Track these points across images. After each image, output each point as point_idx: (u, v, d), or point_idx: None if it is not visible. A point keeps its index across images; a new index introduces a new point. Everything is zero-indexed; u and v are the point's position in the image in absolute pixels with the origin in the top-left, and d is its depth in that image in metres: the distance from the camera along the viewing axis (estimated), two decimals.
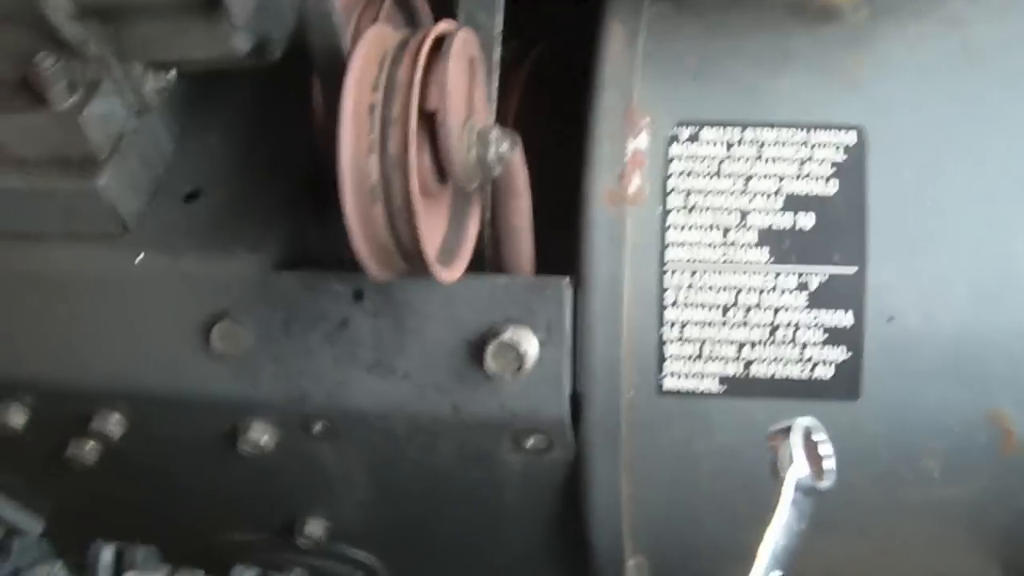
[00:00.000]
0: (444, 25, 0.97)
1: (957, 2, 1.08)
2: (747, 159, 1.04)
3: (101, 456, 1.17)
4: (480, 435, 1.08)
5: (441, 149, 0.95)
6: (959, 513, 1.06)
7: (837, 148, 1.04)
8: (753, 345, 1.04)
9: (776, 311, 1.04)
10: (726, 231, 1.04)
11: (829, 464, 0.79)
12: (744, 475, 1.04)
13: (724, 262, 1.03)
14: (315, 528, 1.22)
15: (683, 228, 1.04)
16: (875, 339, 1.03)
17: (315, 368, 1.08)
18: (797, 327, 1.04)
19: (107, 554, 1.18)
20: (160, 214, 1.12)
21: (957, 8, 1.07)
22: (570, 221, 1.05)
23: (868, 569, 1.12)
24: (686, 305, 1.04)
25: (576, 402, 1.05)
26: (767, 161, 1.04)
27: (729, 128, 1.05)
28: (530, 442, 1.07)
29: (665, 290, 1.04)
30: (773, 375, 1.03)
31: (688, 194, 1.04)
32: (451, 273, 0.98)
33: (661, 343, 1.04)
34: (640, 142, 1.05)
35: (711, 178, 1.04)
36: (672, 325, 1.04)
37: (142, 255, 1.09)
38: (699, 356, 1.05)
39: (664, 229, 1.04)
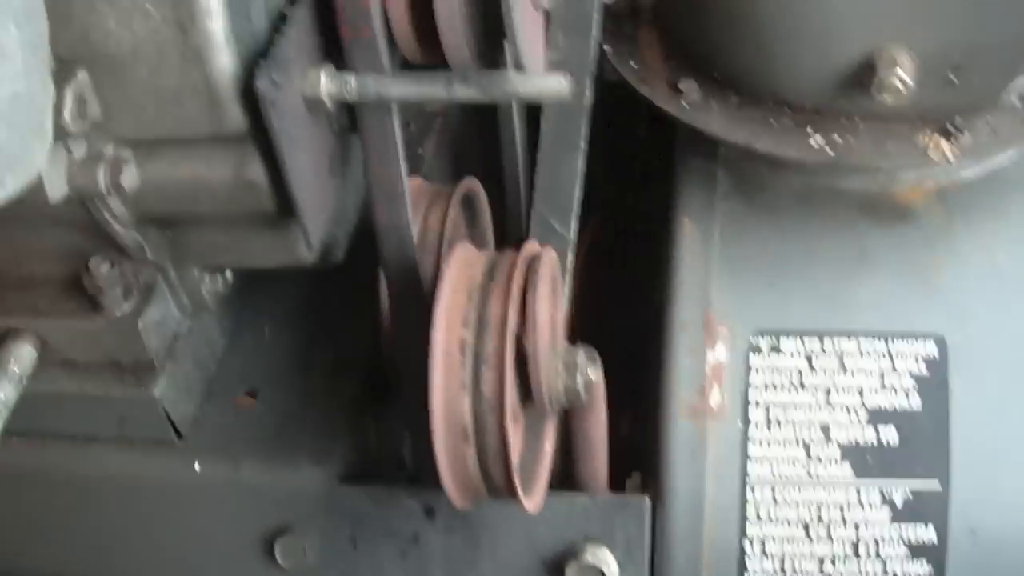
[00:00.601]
0: (530, 249, 0.94)
1: None
2: (828, 371, 1.02)
3: None
4: None
5: (531, 381, 0.92)
6: None
7: (918, 359, 1.02)
8: (835, 560, 1.02)
9: (859, 526, 1.02)
10: (808, 446, 1.02)
11: None
12: None
13: (806, 477, 1.01)
14: None
15: (764, 443, 1.02)
16: (958, 554, 1.01)
17: None
18: (880, 542, 1.02)
19: None
20: (215, 416, 1.08)
21: None
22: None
23: None
24: (768, 520, 1.02)
25: None
26: (848, 373, 1.02)
27: (809, 338, 1.03)
28: None
29: (746, 505, 1.01)
30: None
31: (769, 408, 1.02)
32: (534, 502, 0.95)
33: (742, 558, 1.02)
34: (719, 354, 1.02)
35: (792, 391, 1.02)
36: (753, 541, 1.02)
37: (201, 464, 1.05)
38: (781, 572, 1.03)
39: (745, 444, 1.02)
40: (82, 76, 0.87)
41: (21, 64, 0.82)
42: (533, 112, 1.10)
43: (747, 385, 1.02)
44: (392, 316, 1.03)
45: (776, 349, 1.03)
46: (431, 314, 0.91)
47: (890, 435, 1.01)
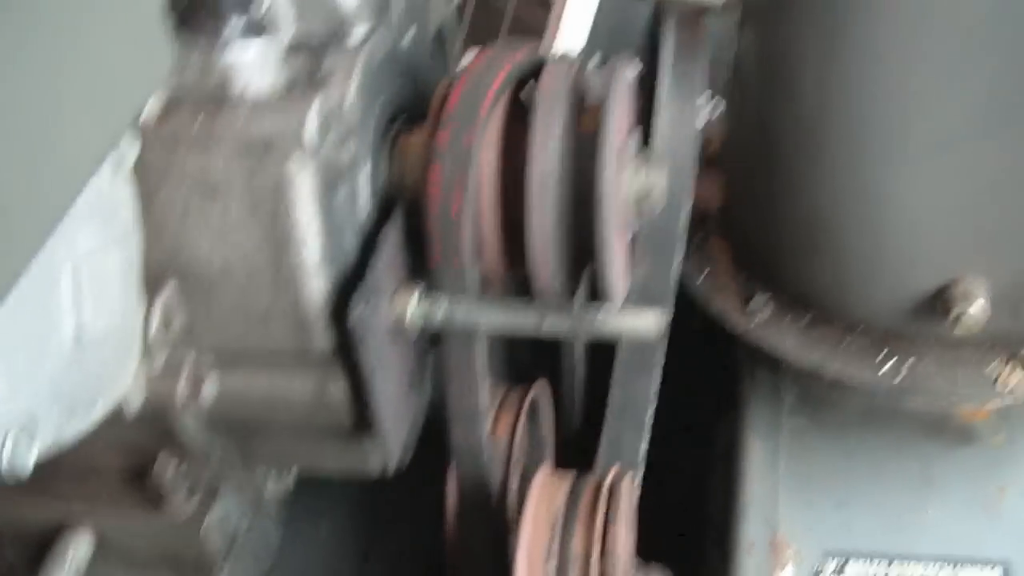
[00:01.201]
0: (610, 478, 0.94)
1: None
2: None
3: None
4: None
5: None
6: None
7: None
8: None
9: None
10: None
11: None
12: None
13: None
14: None
15: None
16: None
17: None
18: None
19: None
20: None
21: None
22: None
23: None
24: None
25: None
26: None
27: (876, 561, 1.02)
28: None
29: None
30: None
31: None
32: None
33: None
34: (787, 574, 1.01)
35: None
36: None
37: None
38: None
39: None
40: (170, 290, 0.87)
41: (119, 288, 0.82)
42: None
43: None
44: (459, 522, 1.02)
45: (842, 571, 1.02)
46: (503, 524, 0.90)
47: None
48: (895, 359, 1.02)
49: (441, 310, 0.88)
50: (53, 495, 1.05)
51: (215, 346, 0.90)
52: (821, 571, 1.01)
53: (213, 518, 1.02)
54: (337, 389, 0.91)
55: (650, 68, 1.02)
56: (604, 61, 0.93)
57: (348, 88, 0.88)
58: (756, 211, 1.07)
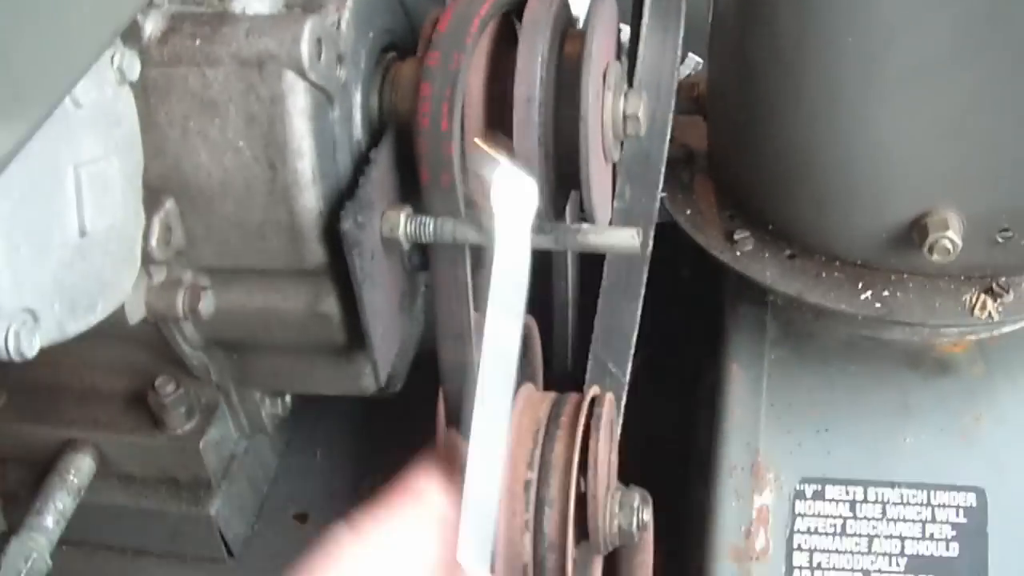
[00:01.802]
0: (592, 393, 0.97)
1: None
2: (871, 519, 1.04)
3: None
4: None
5: (589, 521, 0.94)
6: None
7: (958, 510, 1.05)
8: None
9: None
10: None
11: None
12: None
13: None
14: None
15: None
16: None
17: None
18: None
19: None
20: (266, 536, 1.10)
21: None
22: None
23: None
24: None
25: None
26: (890, 522, 1.04)
27: (853, 487, 1.05)
28: None
29: None
30: None
31: (813, 553, 1.04)
32: None
33: None
34: (766, 498, 1.04)
35: (836, 537, 1.04)
36: None
37: None
38: None
39: None
40: (170, 205, 0.90)
41: (120, 195, 0.86)
42: (586, 253, 1.13)
43: (792, 530, 1.04)
44: (447, 440, 1.05)
45: (821, 496, 1.05)
46: None
47: None
48: (874, 289, 1.04)
49: (430, 227, 0.91)
50: (55, 419, 1.08)
51: (213, 261, 0.94)
52: (800, 495, 1.04)
53: (210, 439, 1.05)
54: (329, 304, 0.94)
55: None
56: None
57: (342, 14, 0.91)
58: (738, 148, 1.10)
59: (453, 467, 0.73)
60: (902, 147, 0.99)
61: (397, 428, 1.13)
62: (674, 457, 1.16)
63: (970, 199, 1.00)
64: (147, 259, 0.90)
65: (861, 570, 1.04)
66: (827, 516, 1.04)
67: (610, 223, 1.01)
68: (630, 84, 1.04)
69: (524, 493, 0.90)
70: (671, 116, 1.04)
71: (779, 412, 1.08)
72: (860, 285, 1.05)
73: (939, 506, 1.05)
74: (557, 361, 1.19)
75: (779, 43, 0.98)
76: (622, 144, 0.98)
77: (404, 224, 0.92)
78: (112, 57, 0.82)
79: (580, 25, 0.98)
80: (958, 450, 1.07)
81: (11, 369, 1.08)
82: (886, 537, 1.04)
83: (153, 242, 0.89)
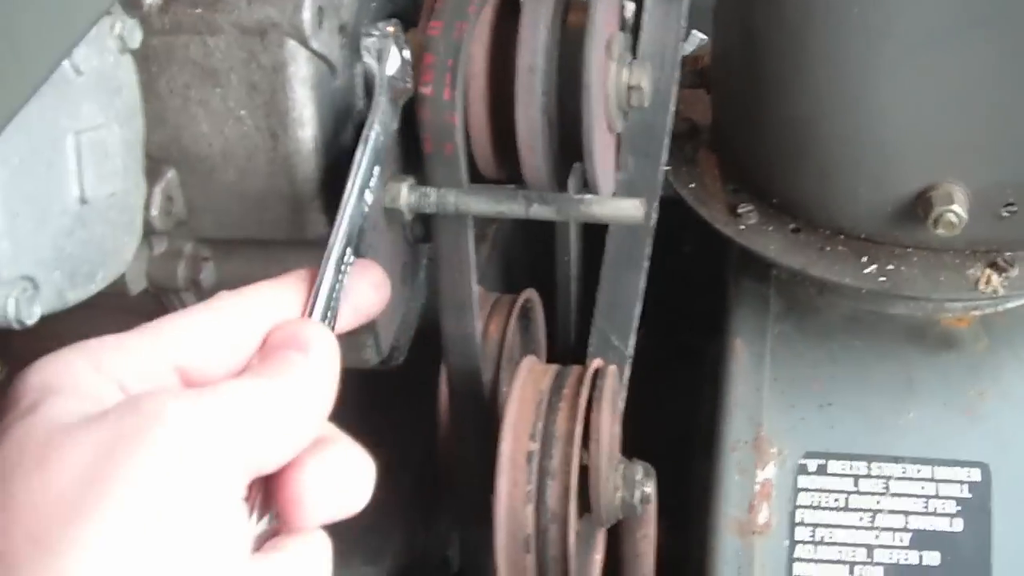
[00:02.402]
0: (595, 365, 0.96)
1: None
2: (874, 494, 1.04)
3: None
4: None
5: (591, 493, 0.94)
6: None
7: (962, 485, 1.04)
8: None
9: None
10: (852, 566, 1.03)
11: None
12: None
13: None
14: None
15: (810, 562, 1.03)
16: None
17: None
18: None
19: None
20: None
21: None
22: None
23: None
24: None
25: None
26: (893, 497, 1.04)
27: (856, 462, 1.05)
28: None
29: None
30: None
31: (815, 528, 1.04)
32: None
33: None
34: (769, 472, 1.04)
35: (839, 512, 1.04)
36: None
37: None
38: None
39: (791, 561, 1.03)
40: (171, 175, 0.90)
41: (121, 163, 0.85)
42: (587, 225, 1.13)
43: (795, 504, 1.04)
44: (451, 421, 1.05)
45: (824, 471, 1.05)
46: (495, 423, 0.93)
47: (932, 558, 1.03)
48: (878, 263, 1.04)
49: (432, 197, 0.91)
50: None
51: (214, 232, 0.93)
52: (803, 470, 1.04)
53: None
54: None
55: None
56: None
57: None
58: (743, 121, 1.10)
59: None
60: (908, 120, 0.99)
61: (398, 402, 1.12)
62: (677, 432, 1.15)
63: (976, 173, 1.00)
64: (148, 229, 0.89)
65: (864, 545, 1.03)
66: (830, 491, 1.04)
67: (613, 195, 1.00)
68: (634, 56, 1.03)
69: (526, 464, 0.90)
70: (675, 87, 1.04)
71: (782, 387, 1.07)
72: (864, 259, 1.05)
73: (943, 481, 1.04)
74: (560, 335, 1.19)
75: (785, 14, 0.98)
76: (626, 115, 0.98)
77: (406, 194, 0.91)
78: (113, 25, 0.82)
79: None
80: (962, 425, 1.06)
81: (12, 342, 1.08)
82: (889, 512, 1.04)
83: (154, 212, 0.89)
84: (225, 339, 0.60)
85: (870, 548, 1.03)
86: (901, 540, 1.03)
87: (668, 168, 1.13)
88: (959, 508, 1.04)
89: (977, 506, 1.03)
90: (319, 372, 0.59)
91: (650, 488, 0.97)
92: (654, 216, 1.03)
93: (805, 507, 1.03)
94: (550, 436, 0.91)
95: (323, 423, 0.61)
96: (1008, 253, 1.04)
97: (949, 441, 1.05)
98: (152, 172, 0.89)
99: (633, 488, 0.95)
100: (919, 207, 1.01)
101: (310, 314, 0.65)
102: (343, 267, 0.72)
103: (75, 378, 0.56)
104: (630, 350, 1.05)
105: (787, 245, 1.07)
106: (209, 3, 0.86)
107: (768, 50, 1.02)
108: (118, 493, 0.51)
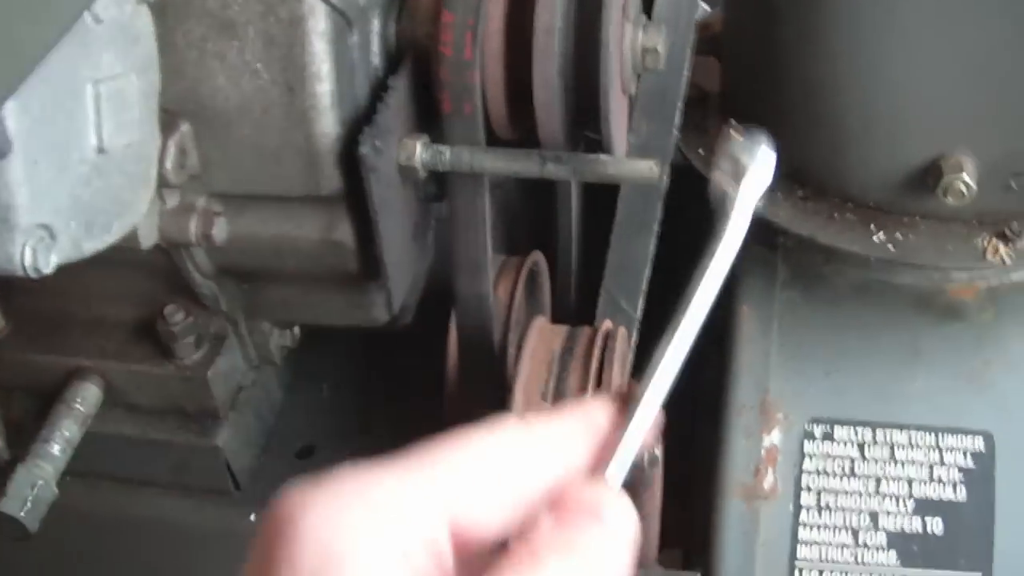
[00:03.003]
0: (606, 327, 0.96)
1: None
2: (879, 461, 1.05)
3: None
4: None
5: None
6: None
7: (966, 454, 1.05)
8: None
9: None
10: (856, 533, 1.04)
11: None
12: None
13: (853, 563, 1.03)
14: None
15: (814, 527, 1.04)
16: None
17: None
18: None
19: None
20: (271, 470, 1.09)
21: None
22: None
23: None
24: None
25: None
26: (898, 464, 1.04)
27: (862, 428, 1.05)
28: None
29: None
30: None
31: (820, 493, 1.04)
32: None
33: None
34: (774, 438, 1.05)
35: (844, 478, 1.05)
36: None
37: (257, 515, 1.06)
38: None
39: (796, 527, 1.04)
40: (186, 128, 0.90)
41: (138, 114, 0.85)
42: (587, 187, 1.12)
43: (800, 470, 1.05)
44: (460, 380, 1.05)
45: (830, 437, 1.05)
46: (505, 381, 0.93)
47: (936, 526, 1.04)
48: (886, 231, 1.04)
49: (447, 155, 0.90)
50: (61, 348, 1.07)
51: (226, 188, 0.93)
52: (808, 436, 1.04)
53: (218, 368, 1.04)
54: (344, 231, 0.94)
55: None
56: None
57: None
58: (754, 88, 1.10)
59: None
60: (920, 88, 0.99)
61: (404, 364, 1.12)
62: (683, 399, 1.15)
63: (986, 142, 1.00)
64: (161, 183, 0.89)
65: (868, 511, 1.04)
66: (835, 457, 1.05)
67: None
68: (649, 18, 1.03)
69: None
70: (689, 51, 1.04)
71: (789, 353, 1.08)
72: (872, 227, 1.05)
73: (947, 450, 1.05)
74: (560, 298, 1.19)
75: None
76: (639, 78, 0.98)
77: (421, 152, 0.91)
78: None
79: None
80: (967, 394, 1.07)
81: (14, 298, 1.08)
82: (894, 479, 1.04)
83: (168, 165, 0.89)
84: (507, 488, 0.52)
85: (875, 515, 1.04)
86: (905, 508, 1.04)
87: (678, 135, 1.13)
88: (963, 477, 1.04)
89: (981, 475, 1.04)
90: (619, 549, 0.52)
91: (658, 450, 0.97)
92: (666, 179, 1.03)
93: (810, 473, 1.04)
94: (561, 395, 0.91)
95: None
96: (1016, 223, 1.05)
97: (954, 410, 1.06)
98: (167, 125, 0.89)
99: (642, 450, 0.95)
100: (929, 176, 1.01)
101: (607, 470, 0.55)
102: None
103: (355, 543, 0.48)
104: (639, 313, 1.06)
105: (796, 213, 1.07)
106: None
107: (782, 16, 1.02)
108: None
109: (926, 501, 1.04)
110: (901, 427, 1.05)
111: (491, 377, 1.01)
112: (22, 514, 0.99)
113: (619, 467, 0.55)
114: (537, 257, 1.13)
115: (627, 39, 0.94)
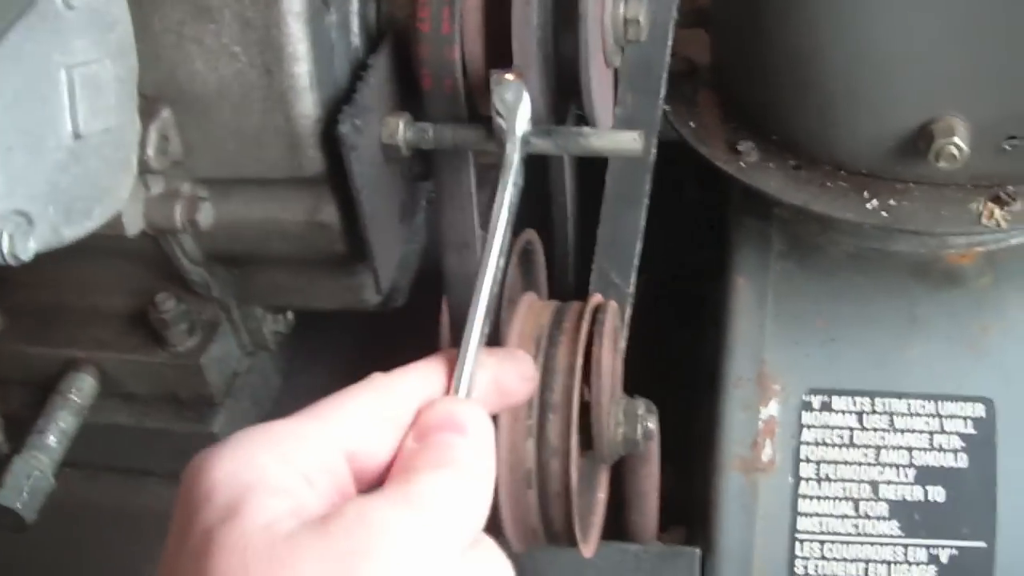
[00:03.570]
0: (595, 300, 0.96)
1: None
2: (878, 430, 1.04)
3: None
4: None
5: (593, 429, 0.93)
6: None
7: (966, 421, 1.04)
8: None
9: None
10: (857, 503, 1.03)
11: None
12: None
13: (854, 533, 1.02)
14: None
15: (814, 499, 1.03)
16: None
17: None
18: None
19: None
20: None
21: None
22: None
23: None
24: (815, 575, 1.02)
25: None
26: (898, 432, 1.04)
27: (860, 398, 1.05)
28: None
29: (795, 559, 1.02)
30: None
31: (820, 464, 1.03)
32: (589, 548, 0.97)
33: None
34: (772, 410, 1.04)
35: (843, 448, 1.04)
36: None
37: None
38: None
39: (795, 498, 1.03)
40: (166, 114, 0.89)
41: (114, 99, 0.85)
42: (582, 165, 1.12)
43: (799, 441, 1.04)
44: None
45: (828, 407, 1.05)
46: None
47: (937, 494, 1.03)
48: (880, 198, 1.03)
49: (430, 133, 0.90)
50: (56, 339, 1.07)
51: (210, 172, 0.93)
52: (806, 406, 1.03)
53: (212, 355, 1.04)
54: (329, 212, 0.93)
55: None
56: None
57: None
58: (742, 58, 1.09)
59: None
60: (909, 52, 0.98)
61: (401, 347, 1.11)
62: (678, 377, 1.15)
63: (977, 105, 0.99)
64: (144, 169, 0.89)
65: (869, 481, 1.03)
66: (834, 427, 1.04)
67: None
68: None
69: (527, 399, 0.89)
70: (672, 21, 1.03)
71: (785, 323, 1.07)
72: (866, 194, 1.04)
73: (947, 417, 1.04)
74: (557, 277, 1.18)
75: None
76: (623, 50, 0.97)
77: (404, 130, 0.90)
78: None
79: None
80: (966, 361, 1.06)
81: (12, 294, 1.08)
82: (894, 448, 1.04)
83: (150, 151, 0.88)
84: (385, 422, 0.63)
85: (875, 484, 1.03)
86: (906, 476, 1.03)
87: (668, 108, 1.13)
88: (964, 444, 1.03)
89: (982, 442, 1.03)
90: (482, 452, 0.63)
91: (653, 423, 0.96)
92: (653, 151, 1.02)
93: (809, 444, 1.03)
94: (550, 370, 0.90)
95: None
96: (1010, 187, 1.04)
97: (953, 376, 1.05)
98: (147, 111, 0.89)
99: (635, 423, 0.95)
100: (920, 140, 1.00)
101: (456, 391, 0.68)
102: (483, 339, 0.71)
103: (264, 471, 0.57)
104: (631, 288, 1.05)
105: (788, 182, 1.06)
106: None
107: None
108: None
109: (927, 469, 1.03)
110: (900, 395, 1.04)
111: None
112: (19, 505, 0.99)
113: (462, 381, 0.68)
114: (530, 235, 1.12)
115: (608, 10, 0.93)
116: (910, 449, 1.03)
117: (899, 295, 1.07)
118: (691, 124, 1.12)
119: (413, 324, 1.05)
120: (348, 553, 0.53)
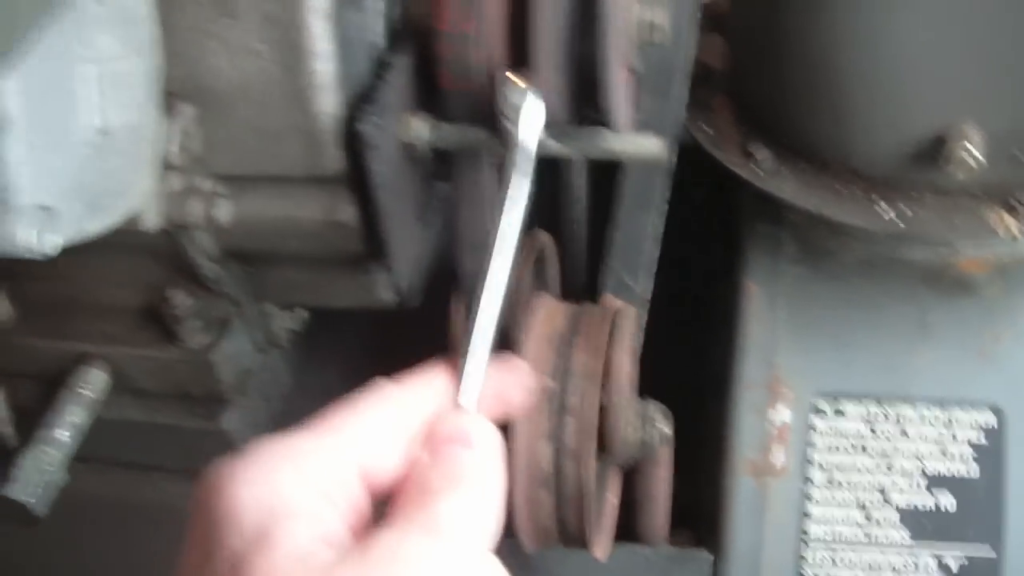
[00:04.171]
0: (612, 303, 0.96)
1: None
2: (889, 436, 1.04)
3: None
4: None
5: (608, 432, 0.93)
6: None
7: (976, 429, 1.04)
8: None
9: None
10: (866, 508, 1.03)
11: None
12: None
13: (864, 539, 1.03)
14: None
15: (824, 504, 1.03)
16: None
17: None
18: None
19: None
20: None
21: None
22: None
23: None
24: None
25: None
26: (908, 439, 1.04)
27: (871, 404, 1.05)
28: None
29: (804, 564, 1.03)
30: None
31: (830, 469, 1.03)
32: (602, 550, 0.97)
33: None
34: (783, 414, 1.04)
35: (853, 454, 1.04)
36: None
37: None
38: None
39: (805, 503, 1.03)
40: (189, 111, 0.89)
41: (139, 95, 0.85)
42: (595, 167, 1.12)
43: (809, 446, 1.04)
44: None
45: (839, 412, 1.05)
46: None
47: (947, 501, 1.03)
48: (893, 205, 1.04)
49: (450, 133, 0.90)
50: (67, 334, 1.07)
51: (230, 169, 0.93)
52: (817, 411, 1.04)
53: (224, 351, 1.04)
54: (347, 212, 0.93)
55: None
56: None
57: None
58: (760, 63, 1.09)
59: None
60: (925, 59, 0.99)
61: (413, 347, 1.12)
62: (689, 382, 1.15)
63: (993, 114, 1.00)
64: (166, 165, 0.88)
65: (879, 487, 1.03)
66: (845, 433, 1.04)
67: None
68: None
69: (544, 402, 0.90)
70: (695, 26, 1.03)
71: (797, 329, 1.07)
72: (879, 201, 1.04)
73: (958, 424, 1.04)
74: (569, 280, 1.18)
75: None
76: (644, 53, 0.97)
77: (423, 129, 0.91)
78: None
79: None
80: (977, 369, 1.06)
81: (25, 287, 1.08)
82: (904, 455, 1.04)
83: (172, 148, 0.89)
84: (397, 435, 0.65)
85: (885, 491, 1.03)
86: (917, 485, 1.03)
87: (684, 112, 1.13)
88: (975, 452, 1.04)
89: (992, 450, 1.03)
90: (490, 466, 0.64)
91: (668, 428, 0.96)
92: (671, 156, 1.02)
93: (820, 449, 1.03)
94: (568, 374, 0.90)
95: None
96: (1023, 196, 1.04)
97: (964, 384, 1.05)
98: (170, 107, 0.89)
99: (652, 427, 0.95)
100: (935, 148, 1.00)
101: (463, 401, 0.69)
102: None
103: (287, 493, 0.58)
104: (647, 293, 1.05)
105: (801, 187, 1.06)
106: None
107: None
108: None
109: (937, 476, 1.04)
110: (911, 402, 1.05)
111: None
112: (31, 500, 0.99)
113: (468, 392, 0.69)
114: (544, 237, 1.13)
115: (631, 12, 0.93)
116: (921, 456, 1.04)
117: (910, 302, 1.08)
118: (706, 128, 1.12)
119: (425, 324, 1.05)
120: None
